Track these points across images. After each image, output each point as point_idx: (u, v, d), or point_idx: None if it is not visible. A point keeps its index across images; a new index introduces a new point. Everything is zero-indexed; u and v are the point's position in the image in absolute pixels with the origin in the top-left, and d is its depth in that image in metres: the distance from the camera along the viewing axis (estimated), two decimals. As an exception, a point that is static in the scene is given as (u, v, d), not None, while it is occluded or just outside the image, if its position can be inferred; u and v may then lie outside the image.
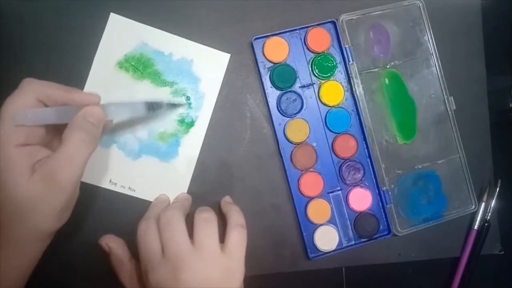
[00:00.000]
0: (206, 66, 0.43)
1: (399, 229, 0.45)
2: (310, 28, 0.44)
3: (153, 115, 0.41)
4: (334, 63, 0.44)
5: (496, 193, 0.47)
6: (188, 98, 0.42)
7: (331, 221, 0.44)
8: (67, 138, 0.31)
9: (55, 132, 0.35)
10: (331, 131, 0.45)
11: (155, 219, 0.37)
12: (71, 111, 0.33)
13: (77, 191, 0.34)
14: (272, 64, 0.44)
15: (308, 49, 0.44)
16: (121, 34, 0.42)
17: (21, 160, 0.31)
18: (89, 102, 0.34)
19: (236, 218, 0.39)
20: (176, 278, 0.34)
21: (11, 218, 0.31)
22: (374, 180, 0.45)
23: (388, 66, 0.46)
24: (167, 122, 0.43)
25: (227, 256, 0.36)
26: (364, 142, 0.45)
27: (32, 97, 0.32)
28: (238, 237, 0.37)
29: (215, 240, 0.36)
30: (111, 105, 0.35)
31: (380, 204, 0.45)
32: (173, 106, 0.42)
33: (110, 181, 0.42)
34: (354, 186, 0.45)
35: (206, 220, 0.37)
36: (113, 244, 0.39)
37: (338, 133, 0.45)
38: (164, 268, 0.34)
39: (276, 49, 0.43)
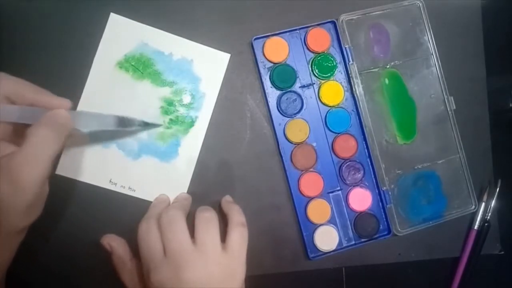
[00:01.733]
0: (206, 66, 0.43)
1: (399, 229, 0.45)
2: (310, 28, 0.44)
3: (124, 131, 0.39)
4: (334, 63, 0.44)
5: (496, 193, 0.47)
6: (159, 125, 0.42)
7: (331, 221, 0.44)
8: (31, 134, 0.30)
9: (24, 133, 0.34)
10: (331, 131, 0.45)
11: (156, 219, 0.37)
12: (37, 112, 0.31)
13: (45, 188, 0.33)
14: (272, 64, 0.44)
15: (308, 49, 0.44)
16: (121, 34, 0.42)
17: None
18: (58, 106, 0.32)
19: (237, 217, 0.39)
20: (178, 277, 0.34)
21: None
22: (374, 180, 0.45)
23: (388, 66, 0.46)
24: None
25: (229, 255, 0.36)
26: (364, 142, 0.45)
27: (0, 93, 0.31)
28: (239, 236, 0.37)
29: (216, 239, 0.36)
30: (81, 113, 0.34)
31: (380, 204, 0.45)
32: (147, 125, 0.41)
33: (110, 181, 0.42)
34: (354, 186, 0.45)
35: (207, 220, 0.37)
36: (114, 243, 0.39)
37: (338, 133, 0.45)
38: (166, 268, 0.34)
39: (276, 49, 0.43)
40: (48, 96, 0.33)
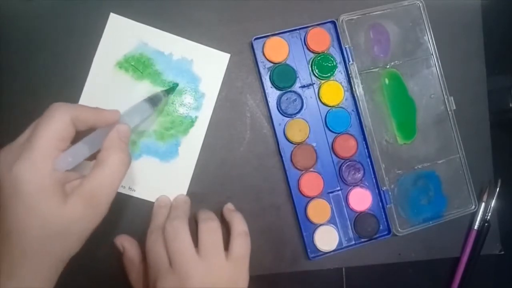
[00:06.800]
0: (206, 66, 0.43)
1: (399, 229, 0.45)
2: (310, 28, 0.44)
3: (156, 110, 0.39)
4: (334, 63, 0.44)
5: (496, 193, 0.47)
6: (176, 84, 0.43)
7: (331, 221, 0.44)
8: (106, 160, 0.31)
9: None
10: (331, 131, 0.45)
11: (162, 229, 0.38)
12: (99, 136, 0.32)
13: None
14: (272, 64, 0.44)
15: (308, 49, 0.44)
16: (121, 34, 0.42)
17: (55, 185, 0.30)
18: (114, 120, 0.34)
19: (240, 226, 0.39)
20: (183, 287, 0.35)
21: (41, 243, 0.30)
22: (374, 180, 0.45)
23: (388, 66, 0.46)
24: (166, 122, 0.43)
25: (232, 264, 0.37)
26: (364, 142, 0.45)
27: (66, 121, 0.31)
28: (242, 245, 0.38)
29: (220, 249, 0.37)
30: (124, 115, 0.35)
31: (380, 204, 0.45)
32: (169, 91, 0.42)
33: (110, 181, 0.42)
34: (354, 186, 0.45)
35: (211, 229, 0.38)
36: (127, 244, 0.40)
37: (338, 133, 0.45)
38: (172, 278, 0.35)
39: (276, 49, 0.43)
40: (102, 112, 0.34)
